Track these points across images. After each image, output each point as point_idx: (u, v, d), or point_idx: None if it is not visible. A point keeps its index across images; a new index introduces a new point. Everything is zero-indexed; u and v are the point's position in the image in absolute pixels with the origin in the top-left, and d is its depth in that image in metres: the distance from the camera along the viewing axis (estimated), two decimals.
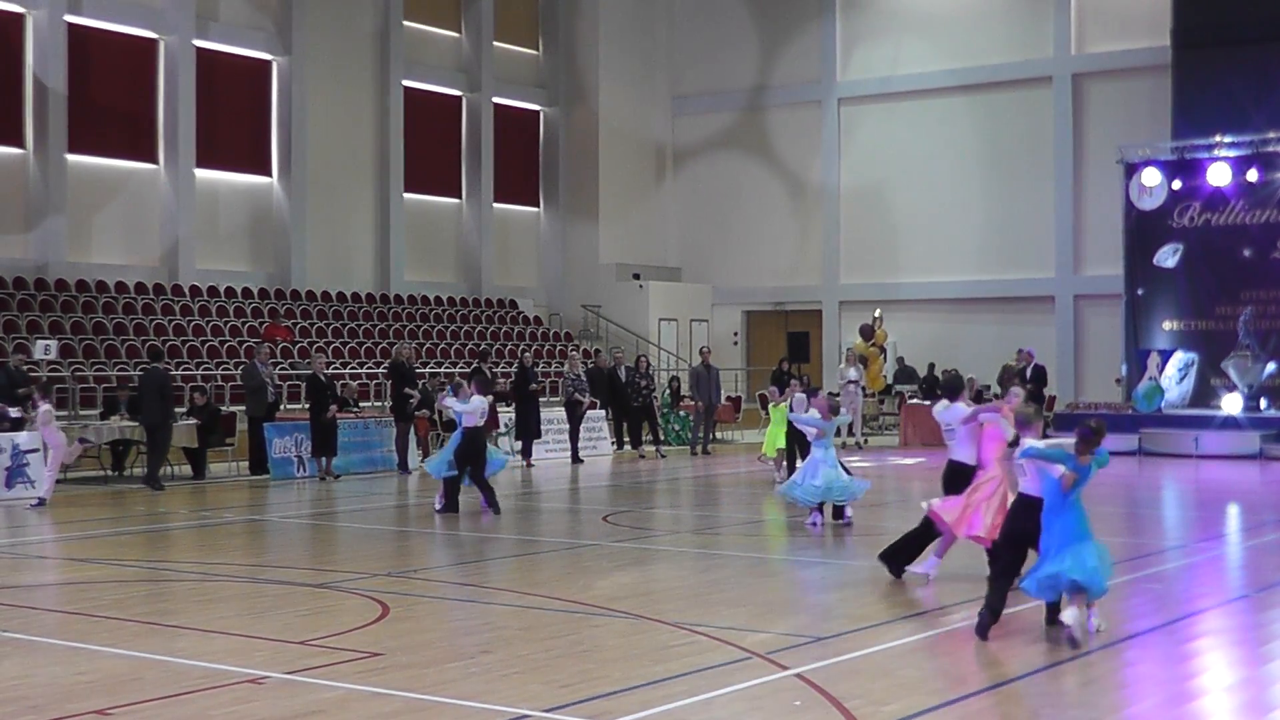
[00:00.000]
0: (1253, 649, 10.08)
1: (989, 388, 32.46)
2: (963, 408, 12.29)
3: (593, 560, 14.25)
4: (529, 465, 25.77)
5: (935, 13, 37.18)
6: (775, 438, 21.54)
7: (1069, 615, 9.61)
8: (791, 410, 19.72)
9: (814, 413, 16.45)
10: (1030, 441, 10.01)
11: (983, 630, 9.72)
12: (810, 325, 37.75)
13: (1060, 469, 9.54)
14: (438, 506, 17.95)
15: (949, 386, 12.77)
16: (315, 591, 12.00)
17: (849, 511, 16.54)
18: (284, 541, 16.38)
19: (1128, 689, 8.88)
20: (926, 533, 12.29)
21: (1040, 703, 8.28)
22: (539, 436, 26.50)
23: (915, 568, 12.40)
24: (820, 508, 16.42)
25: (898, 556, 12.44)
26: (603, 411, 28.71)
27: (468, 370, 27.50)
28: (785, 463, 21.38)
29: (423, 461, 22.01)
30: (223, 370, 27.23)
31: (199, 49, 31.37)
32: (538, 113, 39.51)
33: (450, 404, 18.28)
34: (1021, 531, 10.00)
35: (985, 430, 11.92)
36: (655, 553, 14.86)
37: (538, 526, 17.38)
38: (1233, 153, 30.38)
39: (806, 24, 38.76)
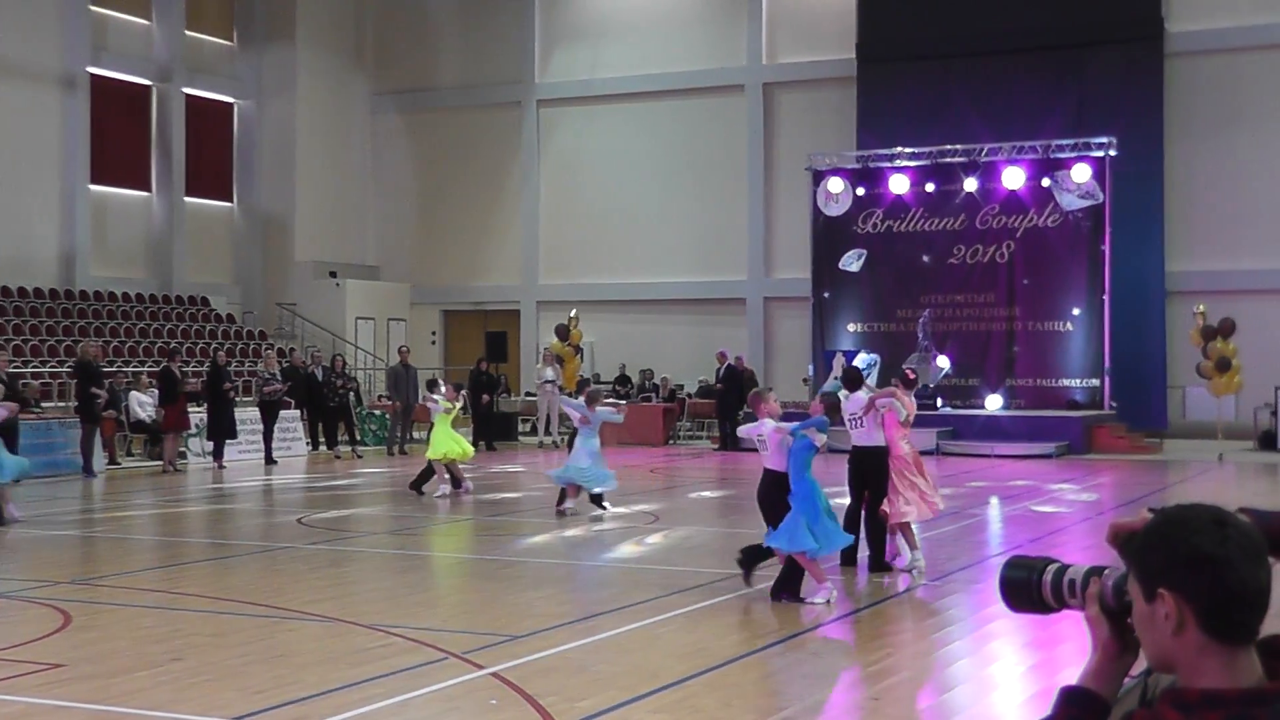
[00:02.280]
0: (934, 632, 10.52)
1: (681, 387, 33.57)
2: (863, 396, 13.05)
3: (287, 563, 13.99)
4: (221, 467, 25.14)
5: (633, 18, 37.55)
6: (440, 442, 20.01)
7: (822, 594, 11.06)
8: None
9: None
10: (774, 423, 11.54)
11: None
12: (508, 325, 37.71)
13: (823, 437, 11.21)
14: None
15: (849, 379, 13.64)
16: None
17: (606, 503, 17.24)
18: None
19: (816, 677, 9.14)
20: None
21: (731, 693, 8.46)
22: (233, 437, 25.89)
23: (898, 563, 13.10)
24: (570, 492, 17.10)
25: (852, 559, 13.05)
26: (297, 412, 28.16)
27: (157, 370, 26.90)
28: (448, 474, 20.50)
29: (109, 465, 21.18)
30: None
31: None
32: (232, 105, 38.55)
33: None
34: (771, 502, 11.43)
35: (885, 415, 12.89)
36: (351, 555, 14.69)
37: (230, 530, 16.97)
38: (913, 163, 31.54)
39: (507, 25, 38.73)
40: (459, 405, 20.52)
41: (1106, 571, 2.46)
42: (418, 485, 20.23)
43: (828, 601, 11.09)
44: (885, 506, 12.91)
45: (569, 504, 17.24)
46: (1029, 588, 2.54)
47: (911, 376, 13.95)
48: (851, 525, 12.74)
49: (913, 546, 13.04)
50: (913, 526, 13.13)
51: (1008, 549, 15.08)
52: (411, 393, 29.42)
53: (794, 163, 34.37)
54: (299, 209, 38.55)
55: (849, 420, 13.09)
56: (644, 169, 37.40)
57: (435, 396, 19.68)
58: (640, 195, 37.33)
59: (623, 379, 35.03)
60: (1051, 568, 2.54)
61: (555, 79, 38.47)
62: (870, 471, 12.99)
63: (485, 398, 30.41)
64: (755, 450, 11.98)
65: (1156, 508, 2.38)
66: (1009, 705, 8.44)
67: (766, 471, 11.64)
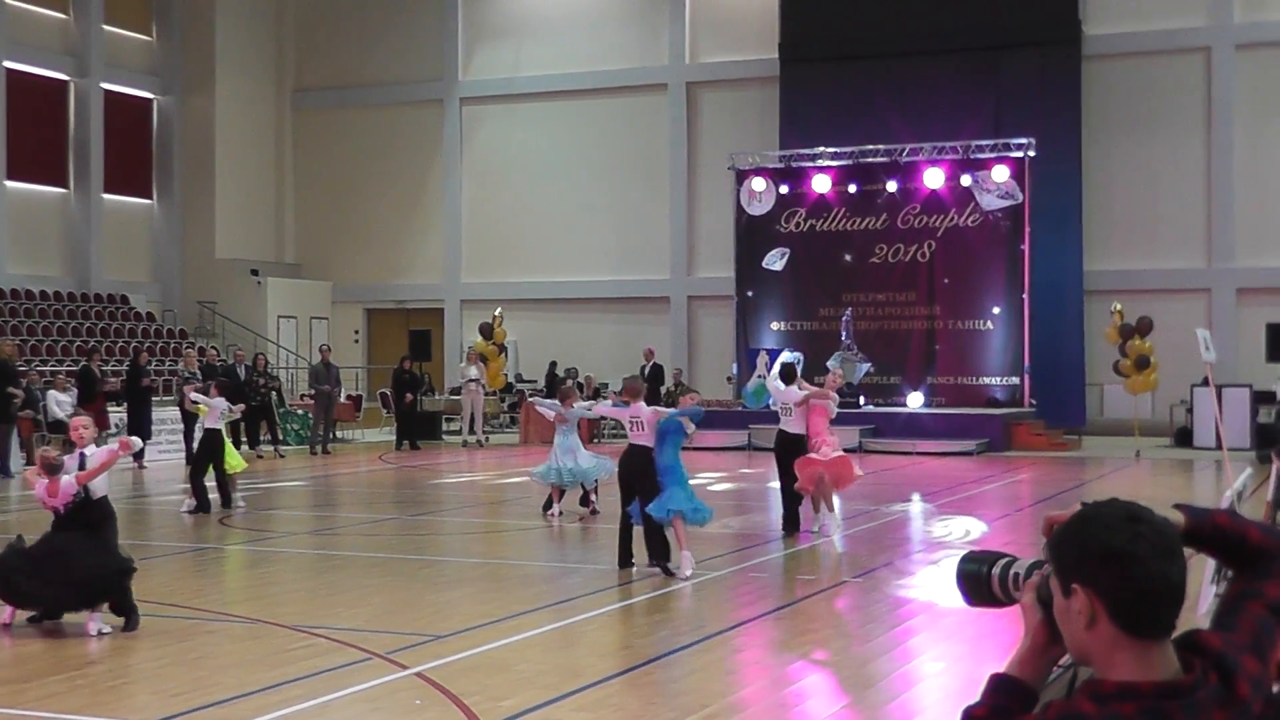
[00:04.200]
0: (854, 629, 10.60)
1: (606, 385, 33.47)
2: (797, 391, 15.17)
3: (207, 565, 13.89)
4: (141, 467, 24.80)
5: (556, 16, 37.42)
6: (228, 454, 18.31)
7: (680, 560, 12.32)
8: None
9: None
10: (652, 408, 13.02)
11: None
12: (432, 323, 37.44)
13: (693, 426, 12.77)
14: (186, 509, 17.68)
15: (786, 374, 15.60)
16: None
17: (593, 499, 17.24)
18: None
19: (736, 674, 9.21)
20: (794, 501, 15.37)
21: (653, 692, 8.49)
22: (150, 438, 25.39)
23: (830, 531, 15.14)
24: (556, 495, 16.87)
25: (793, 523, 15.37)
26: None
27: (75, 369, 26.60)
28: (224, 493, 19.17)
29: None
30: None
31: None
32: (151, 101, 38.05)
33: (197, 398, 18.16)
34: (639, 473, 12.65)
35: (813, 408, 15.02)
36: (273, 555, 14.58)
37: (148, 531, 16.75)
38: (835, 163, 31.65)
39: (430, 22, 38.46)
40: (233, 409, 18.70)
41: (1048, 564, 2.49)
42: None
43: (689, 575, 12.27)
44: (818, 479, 15.03)
45: (557, 509, 16.94)
46: (982, 581, 2.59)
47: (839, 380, 16.45)
48: (790, 499, 15.35)
49: (830, 509, 15.31)
50: (833, 496, 15.44)
51: (928, 547, 15.22)
52: (334, 391, 29.37)
53: (717, 162, 34.35)
54: (219, 206, 38.12)
55: (780, 409, 15.32)
56: (567, 167, 37.19)
57: (206, 399, 18.08)
58: (564, 193, 37.17)
59: (551, 376, 34.59)
60: (1001, 561, 2.59)
61: (478, 76, 38.30)
62: (795, 455, 15.08)
63: (409, 396, 30.27)
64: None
65: (1088, 501, 2.41)
66: (933, 698, 8.48)
67: (634, 447, 12.73)
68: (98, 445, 10.72)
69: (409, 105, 38.98)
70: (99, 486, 10.46)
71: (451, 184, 38.67)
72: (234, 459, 18.20)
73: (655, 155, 36.44)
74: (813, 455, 14.95)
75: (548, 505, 17.01)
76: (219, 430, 17.98)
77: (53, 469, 10.29)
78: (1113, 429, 31.18)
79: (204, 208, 38.00)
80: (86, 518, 10.33)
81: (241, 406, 19.75)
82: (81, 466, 10.36)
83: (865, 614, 11.20)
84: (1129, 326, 29.41)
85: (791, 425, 15.25)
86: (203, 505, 17.58)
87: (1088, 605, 2.30)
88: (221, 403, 17.93)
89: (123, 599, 10.16)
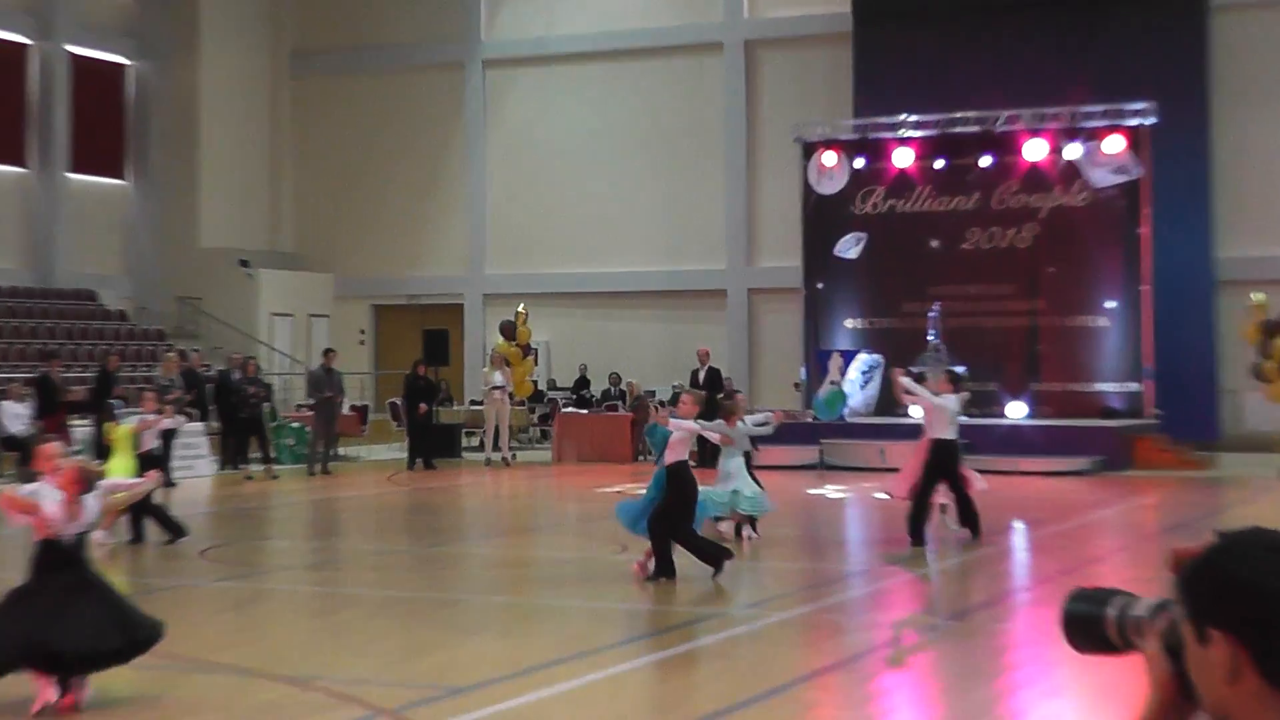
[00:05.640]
0: (948, 682, 10.46)
1: (652, 394, 33.10)
2: (953, 398, 16.94)
3: (188, 605, 13.83)
4: None
5: None
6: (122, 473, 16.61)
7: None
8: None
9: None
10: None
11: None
12: (450, 322, 37.30)
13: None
14: None
15: (954, 380, 17.72)
16: None
17: (750, 529, 17.35)
18: None
19: None
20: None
21: None
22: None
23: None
24: (730, 521, 17.12)
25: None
26: (201, 425, 27.90)
27: (33, 376, 26.53)
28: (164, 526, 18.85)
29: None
30: None
31: None
32: (125, 67, 38.20)
33: None
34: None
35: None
36: (266, 593, 14.65)
37: (119, 566, 16.50)
38: (919, 134, 31.36)
39: None
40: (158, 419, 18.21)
41: (1177, 605, 2.44)
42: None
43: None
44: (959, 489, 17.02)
45: (749, 532, 17.37)
46: (1095, 624, 2.54)
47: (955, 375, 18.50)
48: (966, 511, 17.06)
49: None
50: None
51: (1033, 584, 15.12)
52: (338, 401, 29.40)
53: (781, 133, 34.00)
54: (204, 187, 38.07)
55: (934, 416, 16.92)
56: (608, 140, 37.10)
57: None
58: (603, 171, 37.02)
59: (582, 382, 34.78)
60: (1118, 600, 2.54)
61: (504, 37, 38.16)
62: (957, 462, 17.07)
63: (423, 407, 30.15)
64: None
65: (1225, 530, 2.36)
66: None
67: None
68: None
69: (425, 69, 38.97)
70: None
71: (474, 160, 38.61)
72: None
73: (709, 126, 36.20)
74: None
75: (738, 532, 17.32)
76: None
77: (90, 481, 9.69)
78: (1252, 444, 30.45)
79: (186, 189, 38.00)
80: (76, 557, 9.59)
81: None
82: None
83: (961, 664, 11.09)
84: (1271, 323, 28.66)
85: (949, 430, 16.91)
86: (139, 534, 17.45)
87: (1229, 655, 2.25)
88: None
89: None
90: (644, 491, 15.12)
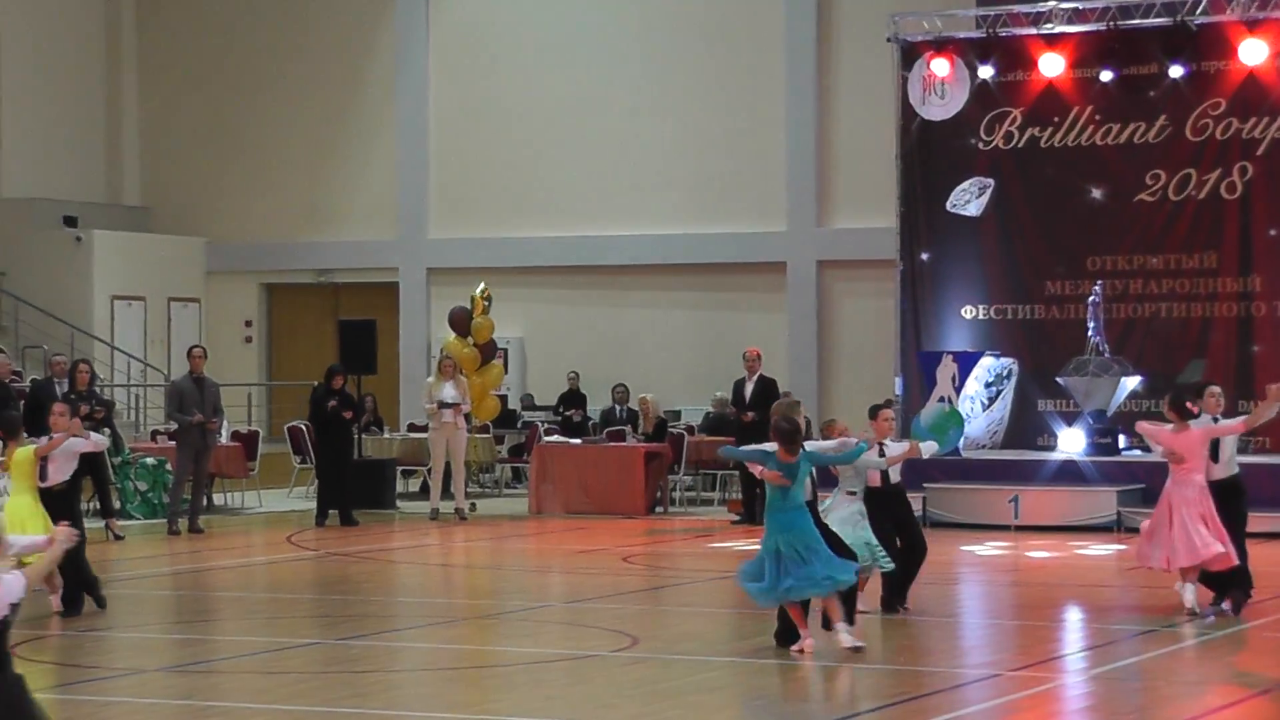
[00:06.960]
0: None
1: (678, 415, 33.88)
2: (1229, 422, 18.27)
3: None
4: None
5: None
6: (22, 516, 17.46)
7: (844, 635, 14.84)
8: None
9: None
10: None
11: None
12: (379, 310, 35.46)
13: (760, 468, 15.32)
14: None
15: (1179, 404, 18.30)
16: None
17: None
18: None
19: None
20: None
21: None
22: None
23: None
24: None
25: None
26: None
27: None
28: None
29: None
30: None
31: None
32: None
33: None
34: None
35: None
36: (104, 707, 13.96)
37: None
38: (1074, 28, 29.63)
39: None
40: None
41: None
42: None
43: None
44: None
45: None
46: None
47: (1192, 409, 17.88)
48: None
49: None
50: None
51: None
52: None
53: (867, 30, 32.26)
54: (5, 120, 36.87)
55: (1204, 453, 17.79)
56: (607, 40, 35.69)
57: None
58: (601, 88, 35.51)
59: (572, 397, 33.53)
60: None
61: None
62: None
63: (349, 413, 29.10)
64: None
65: None
66: None
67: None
68: None
69: None
70: None
71: (409, 83, 37.29)
72: (45, 524, 17.25)
73: (761, 17, 34.28)
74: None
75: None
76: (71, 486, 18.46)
77: None
78: None
79: None
80: None
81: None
82: None
83: None
84: None
85: (1227, 469, 17.69)
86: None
87: None
88: (78, 443, 18.36)
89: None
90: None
